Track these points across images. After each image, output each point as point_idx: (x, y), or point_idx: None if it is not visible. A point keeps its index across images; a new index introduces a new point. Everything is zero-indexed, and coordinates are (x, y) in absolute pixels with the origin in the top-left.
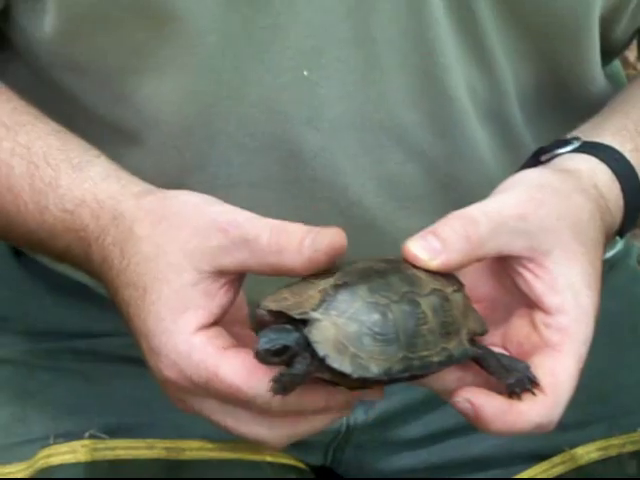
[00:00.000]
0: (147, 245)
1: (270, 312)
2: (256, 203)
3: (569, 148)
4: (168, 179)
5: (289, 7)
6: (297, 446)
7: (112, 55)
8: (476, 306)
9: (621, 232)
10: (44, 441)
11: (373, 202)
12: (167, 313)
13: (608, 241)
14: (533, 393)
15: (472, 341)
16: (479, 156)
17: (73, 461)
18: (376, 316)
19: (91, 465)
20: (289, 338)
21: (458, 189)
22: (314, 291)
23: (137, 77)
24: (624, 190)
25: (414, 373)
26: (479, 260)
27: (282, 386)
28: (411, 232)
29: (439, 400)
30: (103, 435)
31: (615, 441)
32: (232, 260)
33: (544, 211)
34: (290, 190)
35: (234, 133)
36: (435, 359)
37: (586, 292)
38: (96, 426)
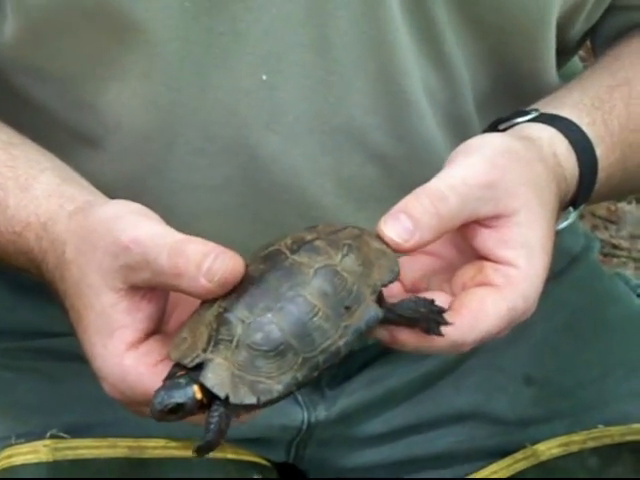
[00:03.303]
0: (74, 269)
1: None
2: (217, 207)
3: (527, 117)
4: (129, 183)
5: (247, 13)
6: (259, 443)
7: (73, 62)
8: (428, 260)
9: (575, 203)
10: (5, 441)
11: (333, 204)
12: (97, 338)
13: (561, 209)
14: (445, 322)
15: (381, 297)
16: (437, 158)
17: (35, 461)
18: (259, 334)
19: (53, 465)
20: (181, 395)
21: None
22: (203, 326)
23: (98, 84)
24: (580, 160)
25: (323, 367)
26: (448, 232)
27: (205, 451)
28: None
29: (400, 397)
30: (65, 435)
31: (576, 437)
32: (139, 279)
33: (509, 177)
34: (250, 194)
35: (194, 138)
36: (341, 342)
37: (540, 254)
38: (57, 425)
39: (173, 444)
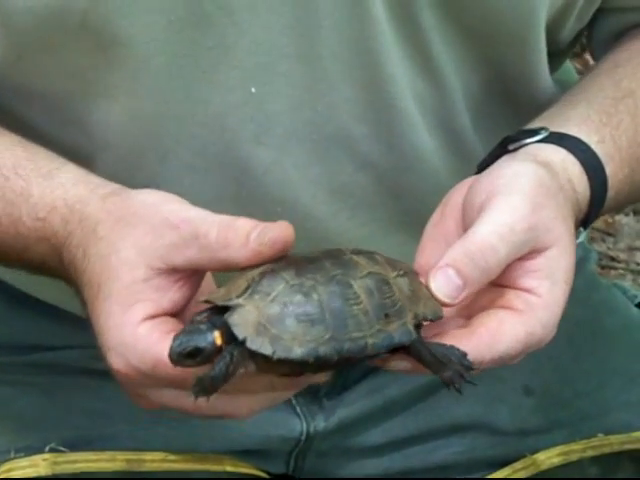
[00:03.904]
0: (104, 245)
1: (207, 304)
2: None
3: (537, 138)
4: None
5: (233, 27)
6: (258, 455)
7: (59, 80)
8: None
9: (585, 223)
10: (5, 455)
11: (325, 213)
12: (116, 308)
13: (575, 232)
14: (470, 382)
15: (419, 326)
16: (428, 165)
17: (34, 475)
18: (299, 297)
19: (52, 479)
20: (202, 339)
21: (409, 198)
22: (243, 280)
23: (86, 101)
24: (590, 181)
25: (345, 355)
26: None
27: (204, 388)
28: (364, 241)
29: (399, 407)
30: (64, 448)
31: (576, 446)
32: (183, 258)
33: (545, 213)
34: (243, 208)
35: (184, 153)
36: (370, 340)
37: (562, 284)
38: (56, 439)
39: (172, 457)
